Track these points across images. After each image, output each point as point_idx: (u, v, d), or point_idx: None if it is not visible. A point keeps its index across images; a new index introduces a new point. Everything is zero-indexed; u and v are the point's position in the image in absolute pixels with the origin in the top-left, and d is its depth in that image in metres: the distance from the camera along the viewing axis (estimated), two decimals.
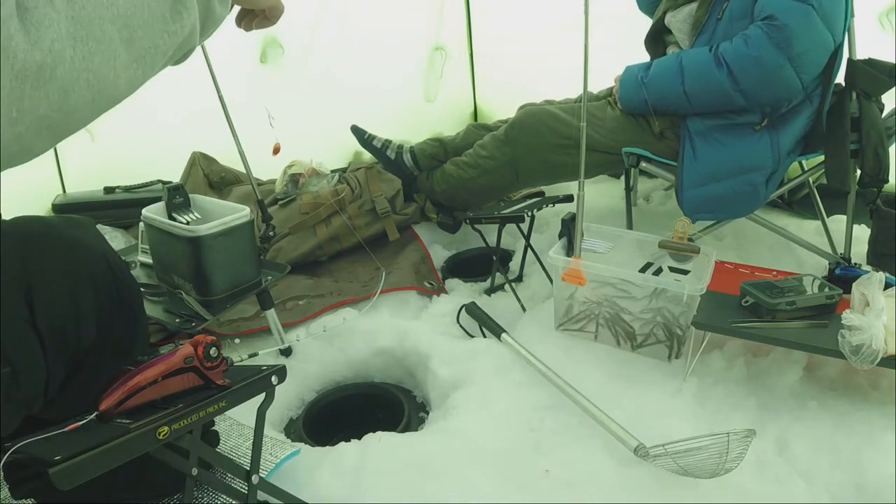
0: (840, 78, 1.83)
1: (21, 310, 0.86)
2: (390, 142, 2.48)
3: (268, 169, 2.55)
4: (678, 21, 2.04)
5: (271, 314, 1.72)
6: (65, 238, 0.96)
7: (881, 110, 1.87)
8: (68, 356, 0.92)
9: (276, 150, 2.36)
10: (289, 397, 1.68)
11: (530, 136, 2.09)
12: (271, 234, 1.80)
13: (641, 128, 2.01)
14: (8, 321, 0.85)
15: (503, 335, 1.74)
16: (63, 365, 0.92)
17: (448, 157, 2.37)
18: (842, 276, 1.66)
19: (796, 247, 2.04)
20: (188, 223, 1.58)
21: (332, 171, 2.48)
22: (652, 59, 2.14)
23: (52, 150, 2.51)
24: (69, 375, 0.94)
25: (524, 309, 1.94)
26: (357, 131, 2.53)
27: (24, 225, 0.95)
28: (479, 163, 2.22)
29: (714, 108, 1.83)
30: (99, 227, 2.12)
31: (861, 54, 1.82)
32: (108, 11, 0.61)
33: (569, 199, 2.13)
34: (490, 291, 2.07)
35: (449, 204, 2.39)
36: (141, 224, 1.72)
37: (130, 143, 2.55)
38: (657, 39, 2.15)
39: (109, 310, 0.97)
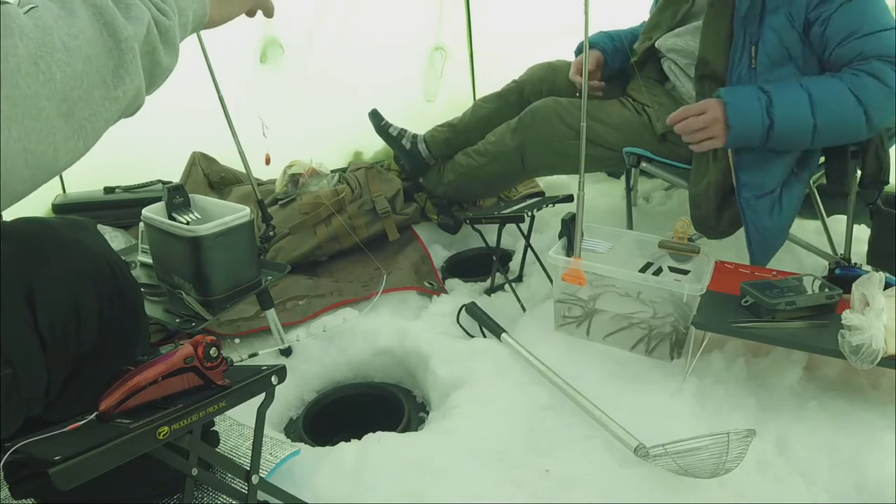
0: None
1: (22, 311, 0.86)
2: (406, 131, 2.49)
3: (268, 169, 2.55)
4: (670, 46, 2.05)
5: (271, 314, 1.72)
6: (66, 239, 0.96)
7: None
8: (69, 358, 0.92)
9: (268, 161, 2.37)
10: (289, 397, 1.68)
11: (542, 124, 2.10)
12: (271, 234, 1.80)
13: (645, 127, 2.01)
14: (9, 323, 0.85)
15: (503, 335, 1.74)
16: (64, 367, 0.92)
17: (459, 138, 2.39)
18: (842, 276, 1.66)
19: (796, 247, 2.04)
20: (188, 223, 1.58)
21: (332, 171, 2.49)
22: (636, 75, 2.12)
23: None
24: (70, 377, 0.94)
25: (524, 309, 1.94)
26: (375, 116, 2.53)
27: (25, 226, 0.94)
28: (488, 149, 2.24)
29: (833, 143, 1.72)
30: (99, 227, 2.12)
31: None
32: (44, 88, 0.60)
33: (569, 199, 2.13)
34: (490, 291, 2.07)
35: (455, 195, 2.40)
36: (141, 224, 1.72)
37: (130, 143, 2.54)
38: (646, 63, 2.16)
39: (110, 311, 0.97)
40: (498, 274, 2.08)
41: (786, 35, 1.66)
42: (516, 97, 2.39)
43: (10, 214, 0.97)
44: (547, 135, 2.09)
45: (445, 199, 2.42)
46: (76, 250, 0.96)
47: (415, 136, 2.47)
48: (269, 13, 1.06)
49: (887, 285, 1.45)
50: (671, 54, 2.05)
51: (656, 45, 2.09)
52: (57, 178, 2.53)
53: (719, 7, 1.76)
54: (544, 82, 2.34)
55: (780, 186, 1.75)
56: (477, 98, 3.24)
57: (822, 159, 1.85)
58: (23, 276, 0.87)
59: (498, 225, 2.04)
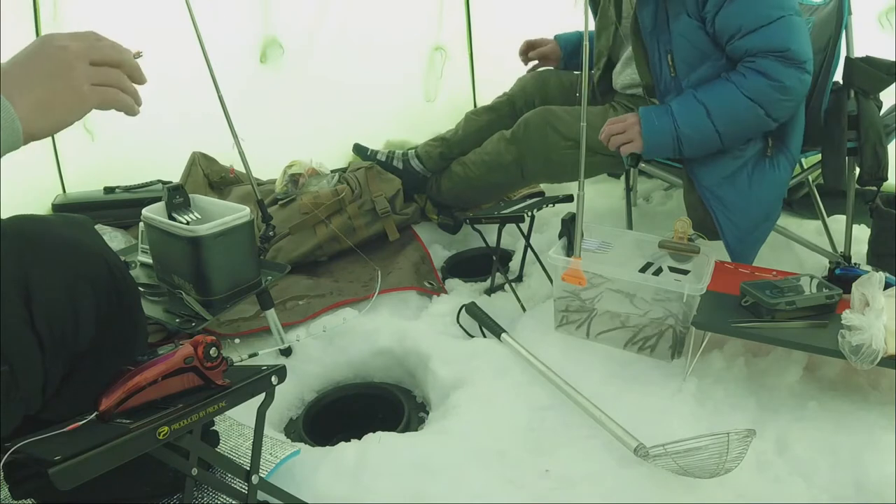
0: (837, 76, 1.83)
1: (19, 309, 0.86)
2: (393, 152, 2.48)
3: (268, 169, 2.56)
4: (623, 83, 2.10)
5: (271, 314, 1.72)
6: (63, 238, 0.96)
7: (879, 108, 1.87)
8: (66, 356, 0.92)
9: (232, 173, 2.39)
10: (289, 397, 1.68)
11: (536, 136, 2.10)
12: (271, 234, 1.80)
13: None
14: (6, 321, 0.85)
15: (503, 335, 1.74)
16: (61, 365, 0.92)
17: (454, 151, 2.38)
18: (842, 276, 1.66)
19: (796, 246, 2.04)
20: (188, 223, 1.58)
21: (332, 171, 2.48)
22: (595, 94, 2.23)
23: (52, 150, 2.51)
24: (67, 375, 0.94)
25: (524, 309, 1.94)
26: (359, 150, 2.54)
27: (23, 224, 0.94)
28: (485, 160, 2.24)
29: (746, 138, 1.77)
30: (99, 227, 2.12)
31: (860, 54, 1.82)
32: None
33: (569, 199, 2.13)
34: (490, 291, 2.07)
35: (454, 202, 2.40)
36: (141, 224, 1.72)
37: (130, 143, 2.55)
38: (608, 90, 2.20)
39: (108, 310, 0.97)
40: (498, 274, 2.08)
41: (695, 37, 1.72)
42: (508, 109, 2.38)
43: (9, 214, 0.97)
44: (543, 146, 2.09)
45: (444, 204, 2.43)
46: (73, 248, 0.96)
47: (405, 155, 2.45)
48: (130, 111, 0.81)
49: (887, 285, 1.45)
50: (630, 90, 2.09)
51: (614, 87, 2.16)
52: (57, 177, 2.53)
53: (639, 33, 1.82)
54: (535, 94, 2.34)
55: (746, 174, 1.77)
56: (476, 100, 3.26)
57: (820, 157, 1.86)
58: (19, 274, 0.87)
59: (498, 225, 2.04)
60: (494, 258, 2.05)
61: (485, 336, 1.81)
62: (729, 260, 1.80)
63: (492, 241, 2.06)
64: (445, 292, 2.11)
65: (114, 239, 2.19)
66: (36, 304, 0.88)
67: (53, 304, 0.90)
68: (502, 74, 2.68)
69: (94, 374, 0.96)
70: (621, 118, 1.83)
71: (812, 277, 1.58)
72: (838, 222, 2.03)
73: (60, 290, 0.91)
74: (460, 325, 1.89)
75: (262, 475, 1.12)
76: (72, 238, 0.97)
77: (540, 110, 2.14)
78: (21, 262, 0.88)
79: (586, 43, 1.57)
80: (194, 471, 0.99)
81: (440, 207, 2.44)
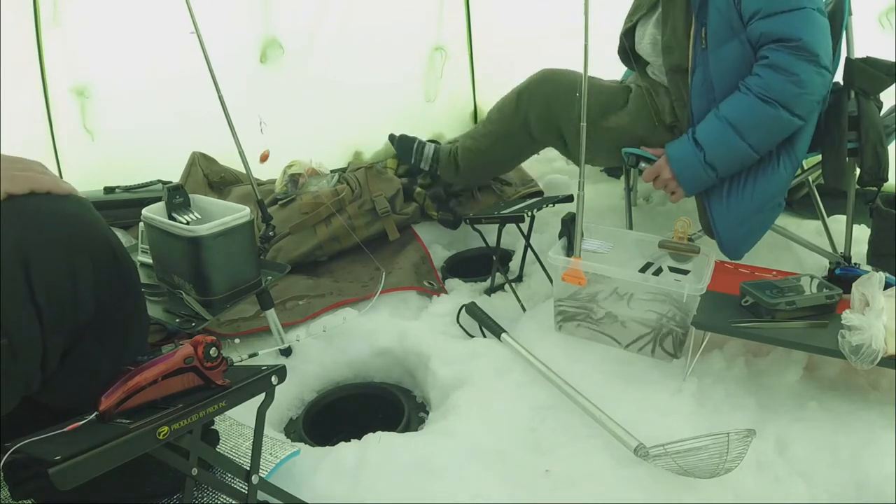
0: (838, 76, 1.83)
1: (19, 283, 0.86)
2: (438, 147, 2.52)
3: (268, 169, 2.56)
4: (645, 45, 2.07)
5: (271, 314, 1.72)
6: (63, 213, 0.96)
7: (879, 108, 1.87)
8: (66, 330, 0.92)
9: (264, 158, 2.37)
10: (289, 397, 1.68)
11: (546, 88, 2.12)
12: (271, 234, 1.80)
13: (656, 112, 2.01)
14: (5, 294, 0.84)
15: (503, 335, 1.74)
16: (61, 339, 0.92)
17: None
18: (842, 276, 1.66)
19: (796, 247, 2.04)
20: (188, 223, 1.58)
21: (332, 171, 2.49)
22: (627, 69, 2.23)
23: (52, 150, 2.51)
24: (67, 351, 0.93)
25: (524, 309, 1.94)
26: (403, 141, 2.55)
27: (23, 201, 0.94)
28: (492, 130, 2.26)
29: (776, 144, 1.74)
30: None
31: (860, 54, 1.82)
32: None
33: (569, 199, 2.13)
34: (490, 291, 2.07)
35: (475, 181, 2.47)
36: (141, 224, 1.72)
37: (130, 143, 2.55)
38: (628, 54, 2.18)
39: (108, 285, 0.97)
40: (498, 274, 2.08)
41: (727, 13, 1.72)
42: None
43: None
44: (544, 98, 2.10)
45: (467, 187, 2.46)
46: (74, 225, 0.95)
47: (436, 150, 2.48)
48: None
49: (887, 285, 1.45)
50: (646, 50, 2.06)
51: (636, 48, 2.12)
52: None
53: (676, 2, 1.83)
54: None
55: (742, 171, 1.76)
56: (476, 100, 3.26)
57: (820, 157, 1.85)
58: (20, 249, 0.87)
59: (498, 225, 2.04)
60: (494, 258, 2.05)
61: (485, 336, 1.81)
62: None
63: (492, 241, 2.06)
64: (445, 292, 2.11)
65: None
66: (35, 277, 0.87)
67: (53, 278, 0.89)
68: (502, 74, 2.69)
69: (95, 354, 0.95)
70: (653, 171, 1.84)
71: (812, 277, 1.58)
72: (838, 222, 2.03)
73: (60, 263, 0.91)
74: (460, 325, 1.89)
75: (262, 475, 1.12)
76: (71, 214, 0.97)
77: (539, 72, 2.17)
78: (21, 235, 0.88)
79: (586, 43, 1.56)
80: (194, 471, 0.99)
81: (439, 203, 2.44)
